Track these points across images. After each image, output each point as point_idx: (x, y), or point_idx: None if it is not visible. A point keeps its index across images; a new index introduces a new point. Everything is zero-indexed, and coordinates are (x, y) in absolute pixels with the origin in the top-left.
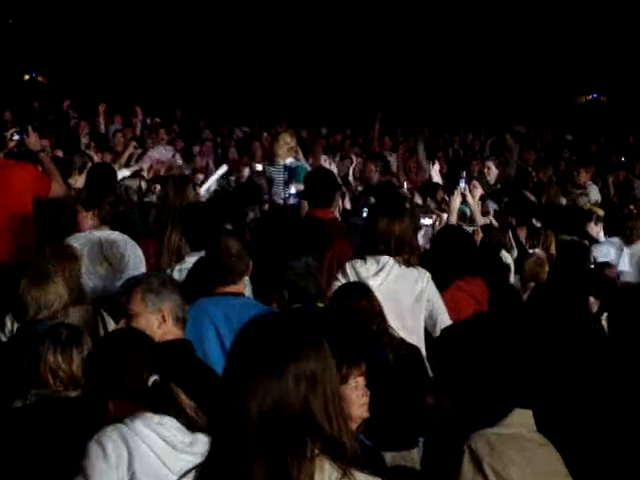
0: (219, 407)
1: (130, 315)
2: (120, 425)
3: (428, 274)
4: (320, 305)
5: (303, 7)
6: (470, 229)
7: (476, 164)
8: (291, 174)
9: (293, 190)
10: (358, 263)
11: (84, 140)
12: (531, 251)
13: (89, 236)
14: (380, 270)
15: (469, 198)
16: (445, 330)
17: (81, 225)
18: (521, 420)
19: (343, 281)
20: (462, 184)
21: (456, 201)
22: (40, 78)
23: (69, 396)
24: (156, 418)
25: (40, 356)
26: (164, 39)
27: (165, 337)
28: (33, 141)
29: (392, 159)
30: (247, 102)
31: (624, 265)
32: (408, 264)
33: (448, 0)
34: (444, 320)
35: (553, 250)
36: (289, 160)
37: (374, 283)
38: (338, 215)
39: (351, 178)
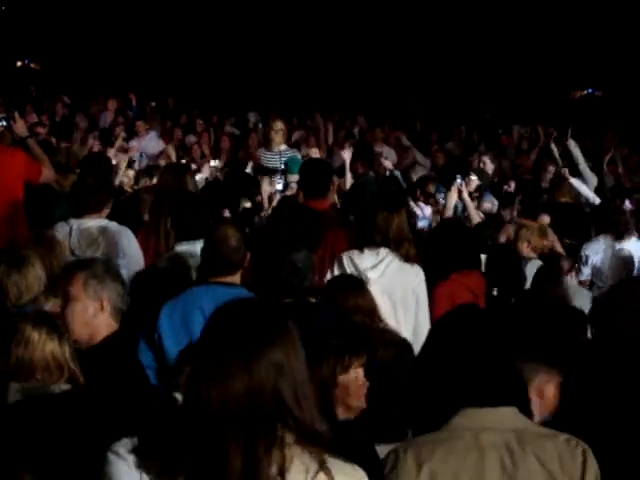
0: (190, 394)
1: (67, 298)
2: None
3: (422, 272)
4: (312, 300)
5: None
6: None
7: (473, 159)
8: (285, 166)
9: (280, 187)
10: (355, 254)
11: (79, 135)
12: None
13: (82, 225)
14: (379, 263)
15: (465, 194)
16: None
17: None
18: (464, 421)
19: (338, 272)
20: (459, 180)
21: (453, 197)
22: (33, 65)
23: (60, 390)
24: None
25: (31, 343)
26: (157, 25)
27: (99, 327)
28: (20, 127)
29: (384, 150)
30: (240, 91)
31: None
32: (406, 258)
33: None
34: (421, 323)
35: (559, 248)
36: (283, 146)
37: (373, 275)
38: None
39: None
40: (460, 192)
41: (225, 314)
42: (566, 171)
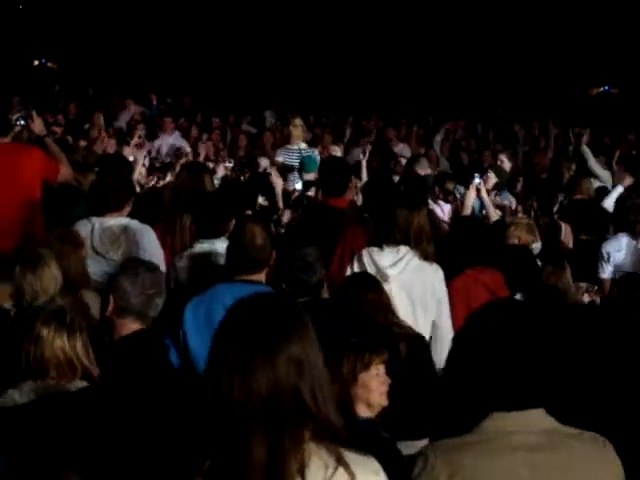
0: (211, 386)
1: None
2: None
3: (441, 271)
4: (325, 296)
5: None
6: None
7: (488, 155)
8: (301, 164)
9: (299, 185)
10: (375, 252)
11: (94, 133)
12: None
13: (104, 223)
14: (399, 260)
15: (483, 193)
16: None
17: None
18: (495, 424)
19: (358, 269)
20: (477, 179)
21: (471, 195)
22: (50, 64)
23: (75, 388)
24: None
25: (41, 339)
26: (174, 24)
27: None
28: (38, 126)
29: (400, 148)
30: (256, 90)
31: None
32: (426, 257)
33: None
34: (443, 323)
35: (570, 246)
36: (303, 144)
37: (393, 272)
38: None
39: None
40: (478, 190)
41: (244, 308)
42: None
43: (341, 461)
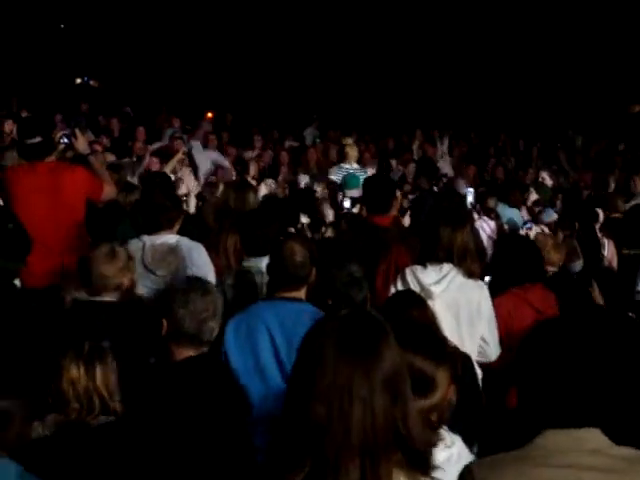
0: (303, 415)
1: None
2: None
3: (486, 289)
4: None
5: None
6: None
7: (531, 172)
8: (343, 181)
9: (348, 204)
10: (419, 269)
11: (139, 150)
12: None
13: (155, 241)
14: (442, 278)
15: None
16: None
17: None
18: (547, 441)
19: (401, 287)
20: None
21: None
22: (92, 82)
23: (96, 424)
24: None
25: (59, 371)
26: (214, 41)
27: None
28: (81, 144)
29: (441, 165)
30: (298, 107)
31: None
32: (470, 275)
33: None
34: (489, 342)
35: (615, 263)
36: (355, 165)
37: (437, 290)
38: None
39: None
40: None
41: (332, 330)
42: None
43: None
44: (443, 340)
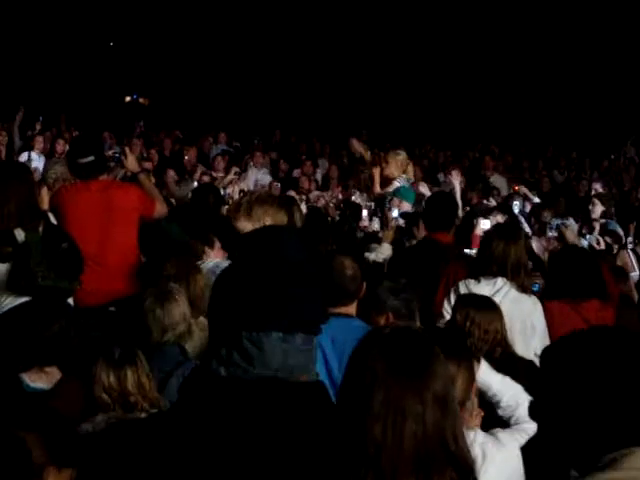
0: (358, 433)
1: None
2: None
3: (539, 304)
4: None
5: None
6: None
7: (585, 185)
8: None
9: (395, 213)
10: (472, 283)
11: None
12: None
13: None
14: (496, 292)
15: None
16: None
17: (206, 256)
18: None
19: (454, 300)
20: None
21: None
22: (141, 100)
23: (140, 417)
24: None
25: (92, 378)
26: (262, 58)
27: None
28: (132, 162)
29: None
30: (348, 121)
31: None
32: (523, 289)
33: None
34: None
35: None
36: (411, 179)
37: None
38: None
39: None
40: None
41: (384, 347)
42: None
43: None
44: (463, 338)
